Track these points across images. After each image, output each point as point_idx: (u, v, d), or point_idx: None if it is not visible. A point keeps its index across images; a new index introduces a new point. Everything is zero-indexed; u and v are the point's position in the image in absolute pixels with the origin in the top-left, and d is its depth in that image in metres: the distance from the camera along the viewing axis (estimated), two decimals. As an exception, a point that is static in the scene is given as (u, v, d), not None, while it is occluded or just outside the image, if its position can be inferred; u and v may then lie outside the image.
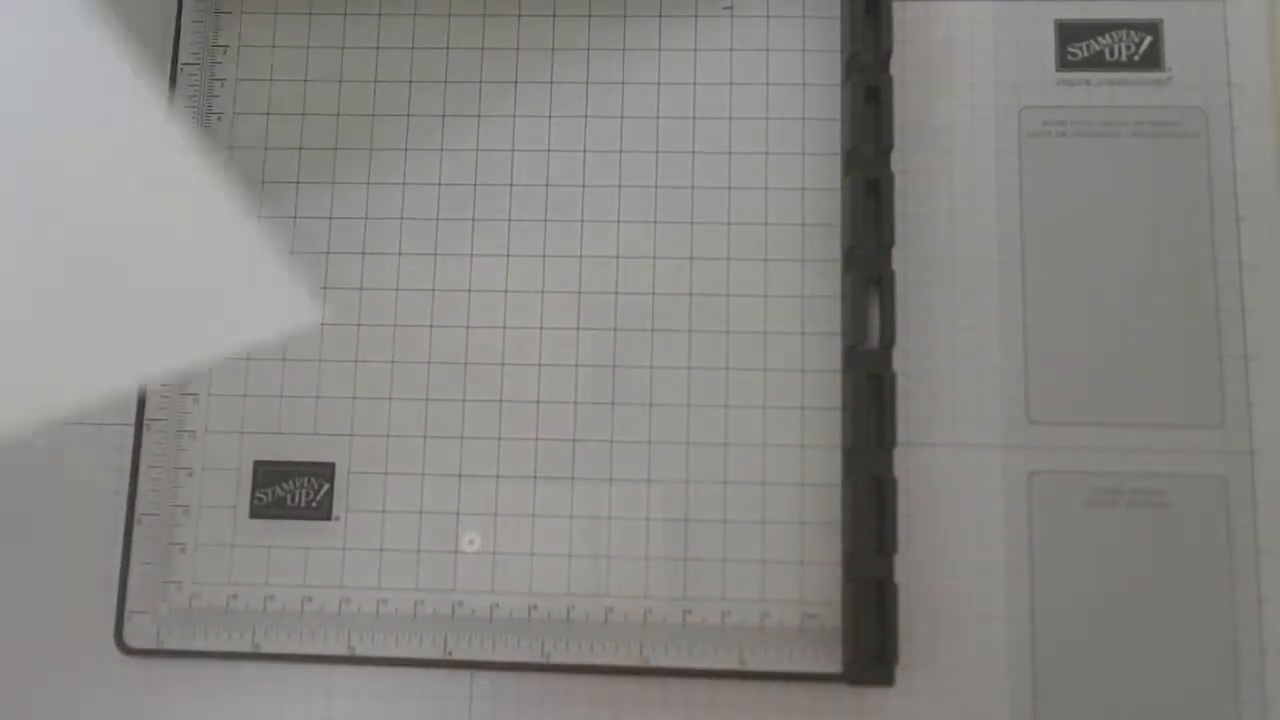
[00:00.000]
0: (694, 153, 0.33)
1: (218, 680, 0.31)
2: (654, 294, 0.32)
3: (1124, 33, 0.33)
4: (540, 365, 0.32)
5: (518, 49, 0.34)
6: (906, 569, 0.30)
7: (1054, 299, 0.32)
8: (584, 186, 0.33)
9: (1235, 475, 0.31)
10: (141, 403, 0.32)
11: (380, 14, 0.34)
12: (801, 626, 0.30)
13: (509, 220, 0.33)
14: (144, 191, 0.22)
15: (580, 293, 0.32)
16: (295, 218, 0.33)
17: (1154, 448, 0.31)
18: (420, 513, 0.32)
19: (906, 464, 0.31)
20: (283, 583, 0.31)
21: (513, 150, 0.33)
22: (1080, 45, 0.33)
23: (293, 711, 0.31)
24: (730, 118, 0.33)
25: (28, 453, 0.32)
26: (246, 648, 0.31)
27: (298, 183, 0.33)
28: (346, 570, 0.31)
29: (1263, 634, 0.30)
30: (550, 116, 0.33)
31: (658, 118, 0.33)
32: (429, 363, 0.32)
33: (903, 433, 0.31)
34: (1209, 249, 0.32)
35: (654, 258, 0.32)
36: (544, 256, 0.33)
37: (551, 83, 0.34)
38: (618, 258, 0.32)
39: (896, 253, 0.31)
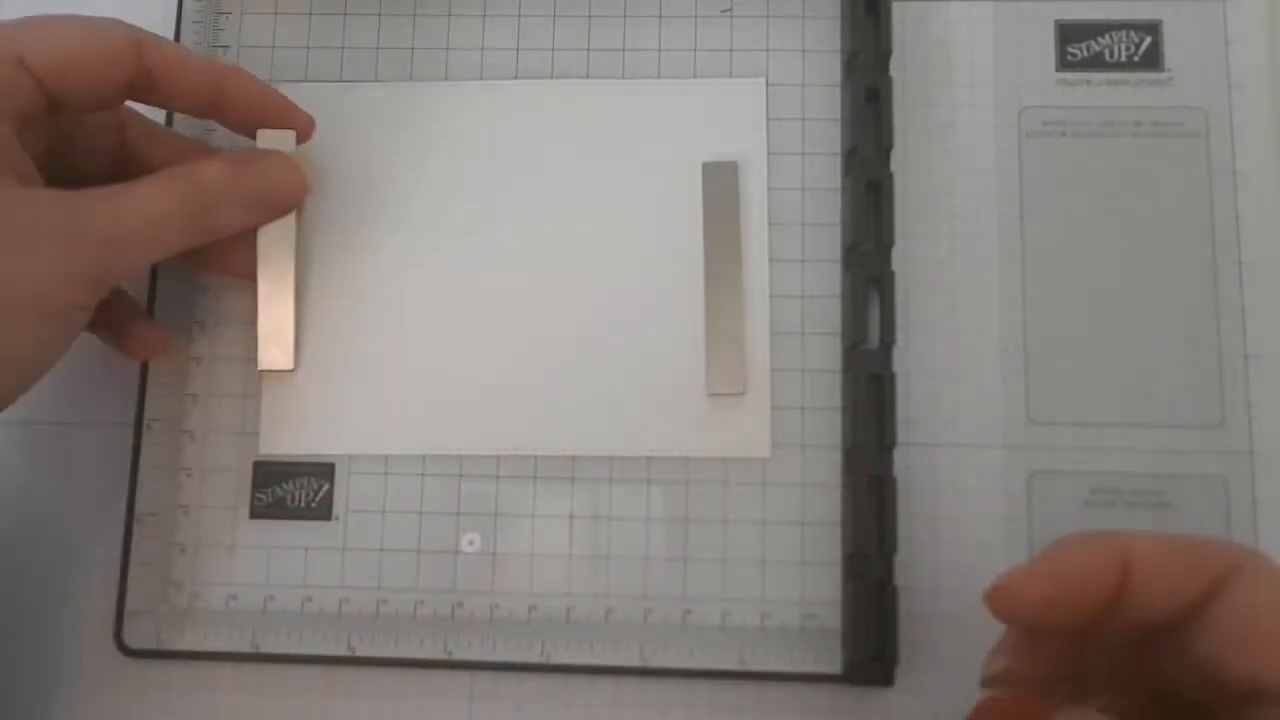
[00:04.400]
0: (694, 153, 0.33)
1: (218, 680, 0.31)
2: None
3: (1124, 33, 0.33)
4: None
5: (517, 49, 0.34)
6: (906, 569, 0.30)
7: (1054, 299, 0.32)
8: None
9: (1235, 475, 0.31)
10: (141, 403, 0.32)
11: (380, 14, 0.34)
12: (801, 626, 0.30)
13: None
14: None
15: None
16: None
17: (1154, 448, 0.31)
18: (420, 513, 0.32)
19: (906, 464, 0.31)
20: (283, 583, 0.31)
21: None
22: (1080, 45, 0.33)
23: (293, 711, 0.31)
24: (730, 118, 0.33)
25: (28, 453, 0.32)
26: (246, 648, 0.31)
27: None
28: (346, 570, 0.31)
29: (1263, 634, 0.30)
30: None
31: (658, 118, 0.33)
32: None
33: (903, 433, 0.31)
34: (1209, 249, 0.32)
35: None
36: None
37: (552, 78, 0.34)
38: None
39: (896, 253, 0.31)
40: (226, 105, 0.29)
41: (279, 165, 0.30)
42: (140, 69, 0.27)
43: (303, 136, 0.31)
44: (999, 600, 0.23)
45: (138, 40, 0.27)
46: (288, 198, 0.31)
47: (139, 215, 0.27)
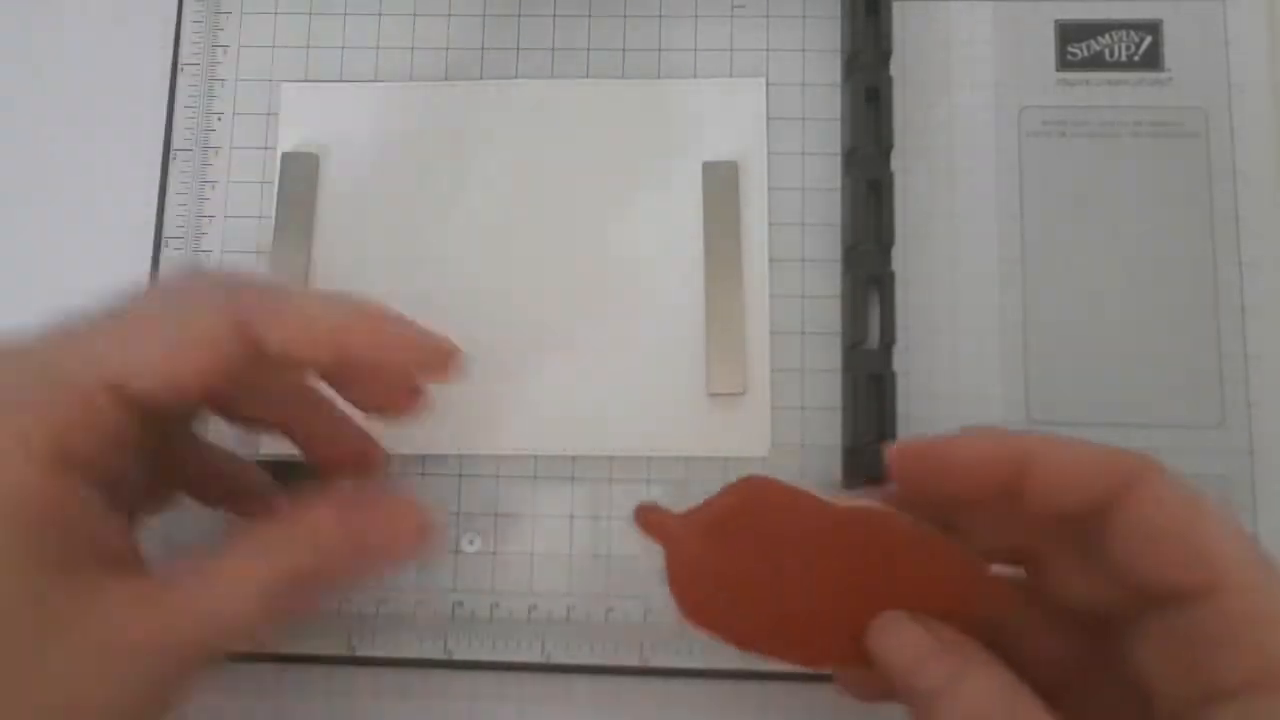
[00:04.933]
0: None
1: (217, 680, 0.31)
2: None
3: (1124, 33, 0.33)
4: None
5: (518, 49, 0.34)
6: (906, 569, 0.30)
7: (1054, 299, 0.32)
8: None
9: (1235, 475, 0.31)
10: (141, 403, 0.32)
11: (380, 14, 0.34)
12: (801, 626, 0.30)
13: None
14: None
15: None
16: (295, 218, 0.33)
17: (1154, 448, 0.31)
18: (420, 513, 0.32)
19: (906, 464, 0.31)
20: (283, 583, 0.31)
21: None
22: (1080, 45, 0.33)
23: (293, 712, 0.31)
24: (730, 118, 0.33)
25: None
26: (246, 648, 0.31)
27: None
28: (346, 570, 0.31)
29: (1263, 634, 0.30)
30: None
31: (658, 118, 0.33)
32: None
33: (903, 432, 0.30)
34: (1209, 249, 0.32)
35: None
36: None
37: (552, 78, 0.34)
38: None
39: (896, 253, 0.31)
40: (354, 355, 0.23)
41: (404, 516, 0.24)
42: (250, 353, 0.22)
43: (441, 375, 0.24)
44: (896, 455, 0.23)
45: (243, 324, 0.22)
46: (410, 555, 0.25)
47: (227, 613, 0.22)
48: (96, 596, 0.20)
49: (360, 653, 0.31)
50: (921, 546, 0.23)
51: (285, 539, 0.23)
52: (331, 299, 0.23)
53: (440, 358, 0.24)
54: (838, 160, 0.33)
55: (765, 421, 0.31)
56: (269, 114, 0.34)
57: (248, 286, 0.23)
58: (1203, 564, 0.20)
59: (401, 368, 0.24)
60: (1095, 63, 0.33)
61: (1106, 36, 0.33)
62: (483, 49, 0.34)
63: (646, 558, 0.31)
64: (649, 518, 0.24)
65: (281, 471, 0.32)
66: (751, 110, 0.33)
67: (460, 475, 0.32)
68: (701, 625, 0.24)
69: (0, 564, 0.19)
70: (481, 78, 0.34)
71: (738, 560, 0.23)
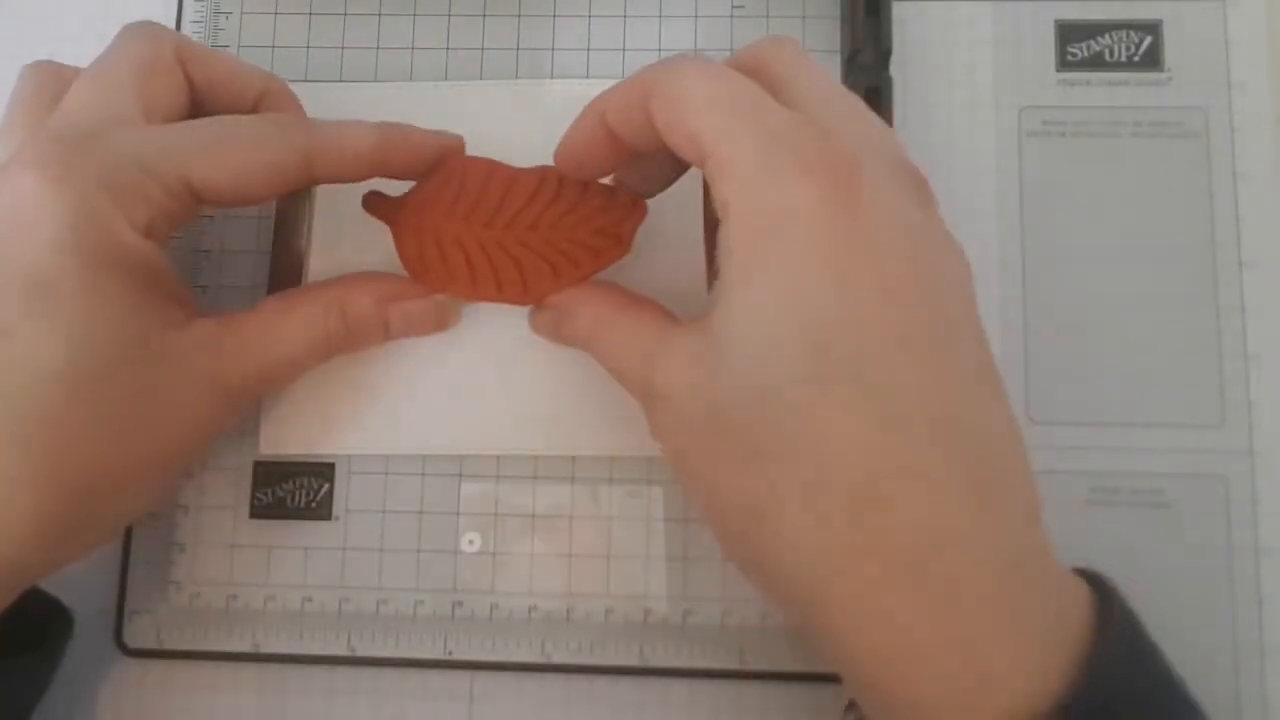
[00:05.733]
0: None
1: (218, 680, 0.31)
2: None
3: (1124, 33, 0.33)
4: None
5: (517, 49, 0.34)
6: (906, 569, 0.30)
7: (1054, 299, 0.32)
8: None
9: (1235, 475, 0.31)
10: (141, 403, 0.32)
11: (380, 14, 0.34)
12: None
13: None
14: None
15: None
16: (295, 218, 0.33)
17: (1154, 448, 0.31)
18: (420, 513, 0.32)
19: (906, 464, 0.31)
20: (283, 583, 0.31)
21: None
22: (1080, 45, 0.33)
23: (293, 711, 0.31)
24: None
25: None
26: (246, 648, 0.31)
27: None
28: (346, 570, 0.31)
29: (1263, 634, 0.30)
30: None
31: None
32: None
33: (903, 433, 0.30)
34: (1209, 249, 0.32)
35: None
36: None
37: (551, 78, 0.34)
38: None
39: (896, 253, 0.31)
40: (389, 171, 0.29)
41: (436, 311, 0.30)
42: (307, 178, 0.28)
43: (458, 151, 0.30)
44: (560, 157, 0.28)
45: (309, 155, 0.27)
46: (428, 333, 0.31)
47: (274, 357, 0.28)
48: (184, 333, 0.26)
49: (360, 653, 0.31)
50: (587, 188, 0.29)
51: (323, 310, 0.28)
52: (363, 131, 0.28)
53: (447, 154, 0.30)
54: (838, 160, 0.33)
55: (765, 421, 0.31)
56: (269, 114, 0.34)
57: (305, 121, 0.29)
58: (693, 145, 0.24)
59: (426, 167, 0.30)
60: (1095, 63, 0.33)
61: (1106, 36, 0.33)
62: (483, 49, 0.34)
63: (647, 558, 0.31)
64: (374, 200, 0.29)
65: (279, 472, 0.32)
66: None
67: (460, 475, 0.32)
68: (430, 285, 0.29)
69: (116, 308, 0.25)
70: (481, 77, 0.34)
71: (451, 225, 0.28)
